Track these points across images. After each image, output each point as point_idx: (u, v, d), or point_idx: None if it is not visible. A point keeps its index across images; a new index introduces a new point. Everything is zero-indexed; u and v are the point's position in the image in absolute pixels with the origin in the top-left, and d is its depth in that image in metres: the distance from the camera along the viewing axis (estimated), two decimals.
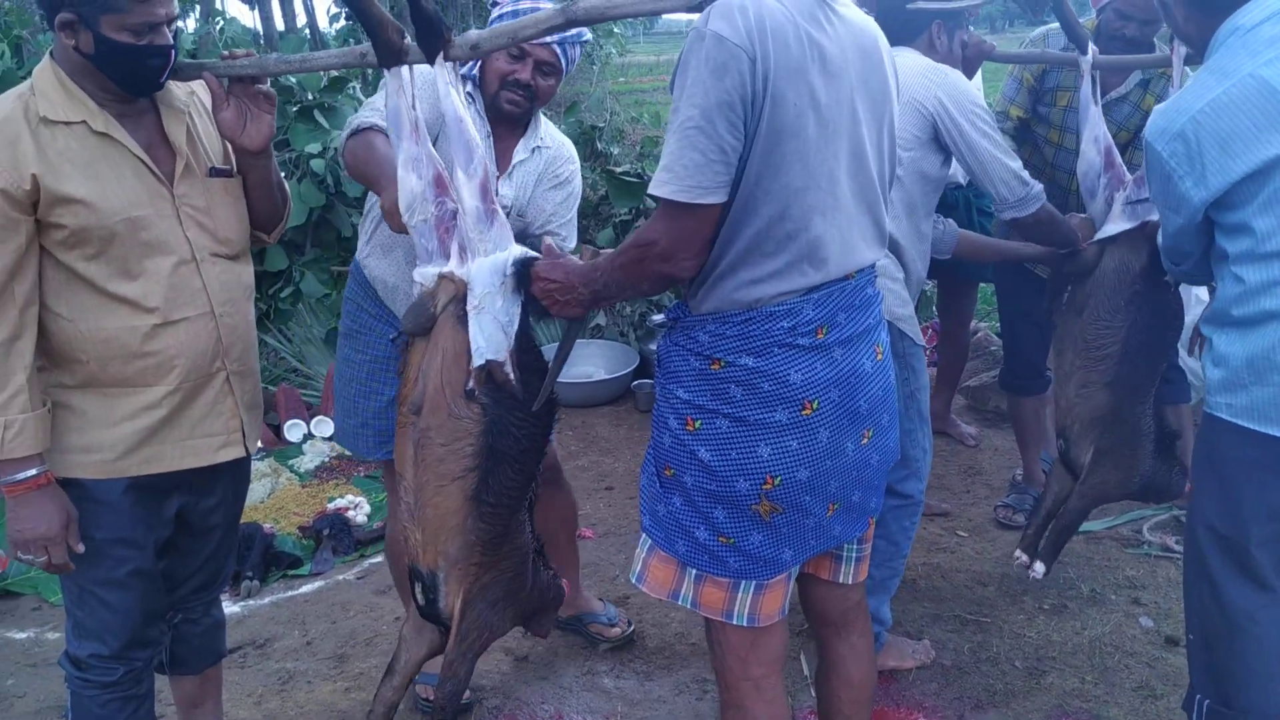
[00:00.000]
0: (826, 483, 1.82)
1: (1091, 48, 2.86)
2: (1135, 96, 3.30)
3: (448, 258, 1.90)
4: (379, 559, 3.70)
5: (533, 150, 2.62)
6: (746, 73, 1.59)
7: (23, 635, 3.27)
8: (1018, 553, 3.01)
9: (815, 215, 1.71)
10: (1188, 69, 2.67)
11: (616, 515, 3.98)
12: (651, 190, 1.66)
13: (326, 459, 4.54)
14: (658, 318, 6.41)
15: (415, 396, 1.90)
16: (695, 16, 1.68)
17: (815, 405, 1.76)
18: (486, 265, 1.86)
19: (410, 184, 1.88)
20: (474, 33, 1.87)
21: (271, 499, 4.17)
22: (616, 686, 2.89)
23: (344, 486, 4.29)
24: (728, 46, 1.58)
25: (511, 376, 1.87)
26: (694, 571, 1.87)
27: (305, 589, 3.53)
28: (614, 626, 3.08)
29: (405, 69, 1.84)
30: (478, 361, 1.84)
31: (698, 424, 1.79)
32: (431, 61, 1.83)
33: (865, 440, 1.86)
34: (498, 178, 2.57)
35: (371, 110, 2.33)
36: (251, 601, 3.44)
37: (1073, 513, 2.92)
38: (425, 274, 1.93)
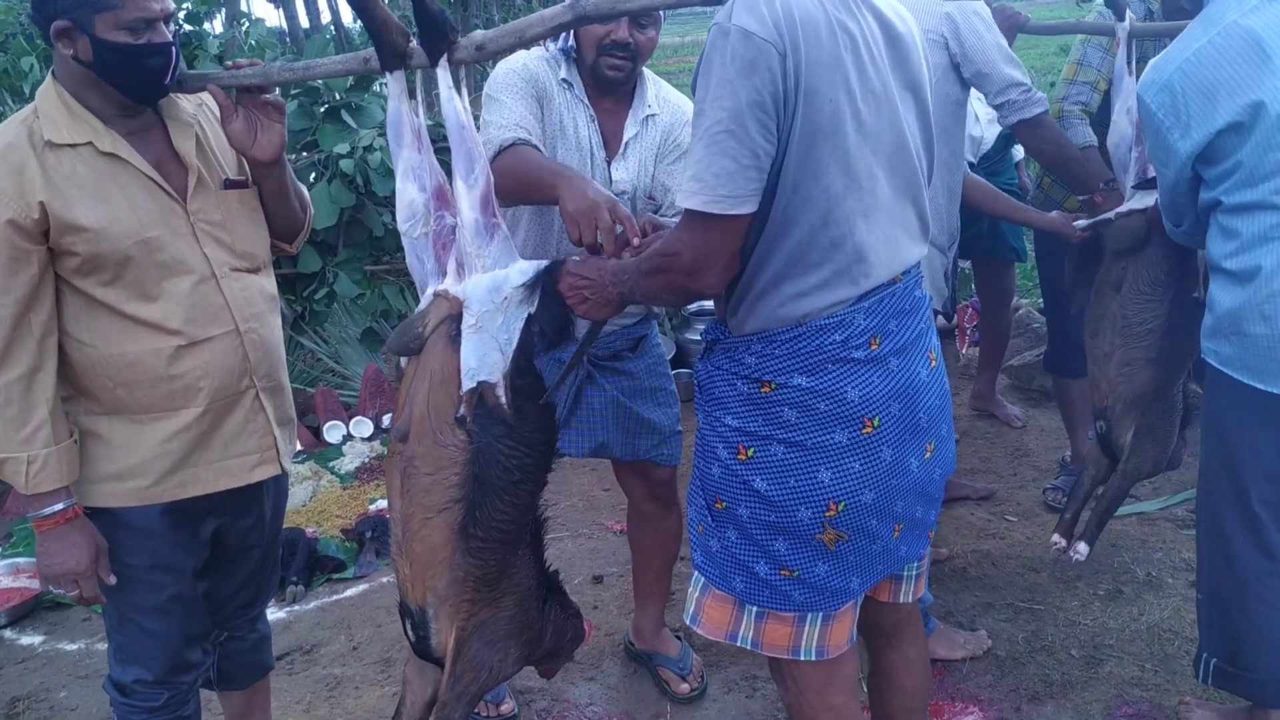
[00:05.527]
0: (892, 503, 1.73)
1: (1129, 15, 2.78)
2: None
3: (444, 275, 1.80)
4: None
5: (644, 121, 2.42)
6: (777, 69, 1.49)
7: (74, 647, 3.29)
8: (1055, 538, 2.92)
9: (858, 218, 1.62)
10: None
11: None
12: (681, 203, 1.56)
13: (366, 460, 4.55)
14: (692, 305, 6.26)
15: (402, 422, 1.78)
16: (710, 8, 1.60)
17: (876, 422, 1.67)
18: (485, 281, 1.75)
19: (410, 195, 1.80)
20: (479, 33, 1.78)
21: (313, 502, 4.18)
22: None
23: (384, 487, 4.28)
24: (755, 42, 1.48)
25: (504, 400, 1.73)
26: (754, 609, 1.79)
27: (349, 592, 3.53)
28: (685, 681, 2.80)
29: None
30: (469, 384, 1.72)
31: (750, 452, 1.70)
32: (434, 64, 1.74)
33: (929, 454, 1.77)
34: (608, 162, 2.40)
35: (502, 128, 2.21)
36: (297, 607, 3.44)
37: (1115, 493, 2.86)
38: (424, 294, 1.83)
